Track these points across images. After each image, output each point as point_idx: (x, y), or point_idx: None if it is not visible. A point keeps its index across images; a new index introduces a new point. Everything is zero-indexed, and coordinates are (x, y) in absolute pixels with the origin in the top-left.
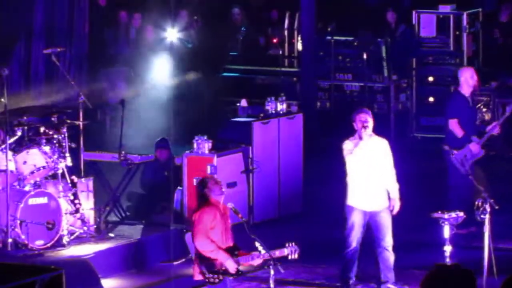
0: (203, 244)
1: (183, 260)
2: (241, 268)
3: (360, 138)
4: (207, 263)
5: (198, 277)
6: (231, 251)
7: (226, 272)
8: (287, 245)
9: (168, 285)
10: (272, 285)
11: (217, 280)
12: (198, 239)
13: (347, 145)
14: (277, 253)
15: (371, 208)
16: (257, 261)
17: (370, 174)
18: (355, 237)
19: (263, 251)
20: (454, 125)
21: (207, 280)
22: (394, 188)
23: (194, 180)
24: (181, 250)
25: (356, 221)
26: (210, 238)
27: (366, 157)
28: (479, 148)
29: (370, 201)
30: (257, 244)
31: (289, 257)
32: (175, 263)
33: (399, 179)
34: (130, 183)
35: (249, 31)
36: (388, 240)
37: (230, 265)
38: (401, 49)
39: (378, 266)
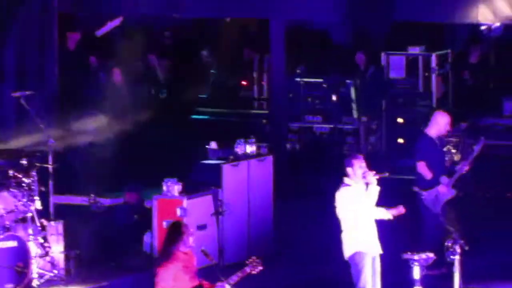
0: None
1: None
2: None
3: (368, 182)
4: None
5: None
6: None
7: None
8: (247, 262)
9: None
10: None
11: None
12: None
13: (349, 192)
14: (240, 274)
15: (374, 252)
16: None
17: (371, 218)
18: (368, 281)
19: None
20: (422, 168)
21: None
22: (384, 210)
23: (164, 223)
24: None
25: (365, 265)
26: None
27: (367, 201)
28: (448, 189)
29: (373, 244)
30: (227, 286)
31: (253, 272)
32: None
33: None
34: (100, 226)
35: (219, 73)
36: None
37: None
38: (371, 90)
39: None
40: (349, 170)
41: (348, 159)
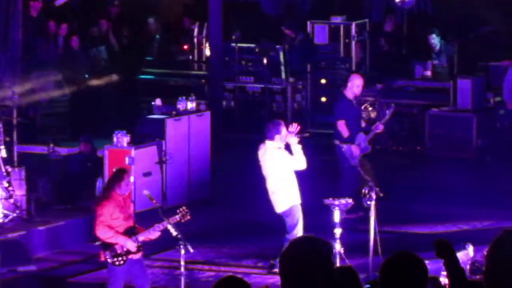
0: (102, 233)
1: None
2: (142, 239)
3: (289, 143)
4: (110, 249)
5: (103, 258)
6: (130, 232)
7: (129, 252)
8: (177, 211)
9: (90, 262)
10: (182, 262)
11: (122, 262)
12: (98, 229)
13: (281, 153)
14: (171, 220)
15: (300, 199)
16: (155, 234)
17: (293, 171)
18: (300, 228)
19: (174, 233)
20: (341, 126)
21: (113, 264)
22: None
23: (115, 170)
24: None
25: (300, 215)
26: (108, 226)
27: (293, 159)
28: (365, 145)
29: (298, 193)
30: (168, 226)
31: (182, 221)
32: (96, 243)
33: (297, 172)
34: (57, 173)
35: (163, 38)
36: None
37: (130, 245)
38: (299, 55)
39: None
40: (277, 137)
41: (275, 125)
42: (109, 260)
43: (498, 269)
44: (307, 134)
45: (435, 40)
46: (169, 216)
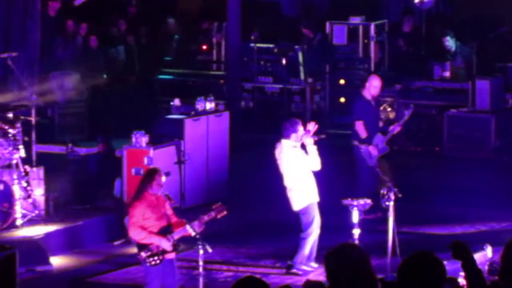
0: (135, 234)
1: (123, 240)
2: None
3: (305, 143)
4: (146, 250)
5: (141, 259)
6: (165, 230)
7: (164, 252)
8: (213, 207)
9: (109, 262)
10: (201, 262)
11: (158, 261)
12: (131, 231)
13: (296, 152)
14: (206, 218)
15: (317, 198)
16: (191, 231)
17: (311, 171)
18: (316, 227)
19: (193, 233)
20: (359, 127)
21: (149, 264)
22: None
23: (133, 170)
24: (120, 232)
25: (315, 214)
26: (141, 227)
27: (309, 158)
28: (383, 146)
29: (315, 192)
30: (187, 227)
31: (218, 216)
32: (115, 243)
33: (316, 172)
34: (75, 172)
35: (182, 39)
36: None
37: (165, 244)
38: (318, 55)
39: (298, 250)
40: (293, 135)
41: (292, 124)
42: (146, 261)
43: None
44: (323, 136)
45: (449, 42)
46: (188, 215)
